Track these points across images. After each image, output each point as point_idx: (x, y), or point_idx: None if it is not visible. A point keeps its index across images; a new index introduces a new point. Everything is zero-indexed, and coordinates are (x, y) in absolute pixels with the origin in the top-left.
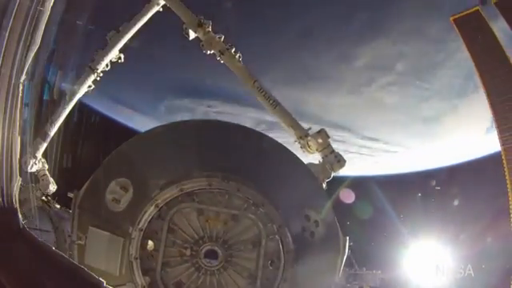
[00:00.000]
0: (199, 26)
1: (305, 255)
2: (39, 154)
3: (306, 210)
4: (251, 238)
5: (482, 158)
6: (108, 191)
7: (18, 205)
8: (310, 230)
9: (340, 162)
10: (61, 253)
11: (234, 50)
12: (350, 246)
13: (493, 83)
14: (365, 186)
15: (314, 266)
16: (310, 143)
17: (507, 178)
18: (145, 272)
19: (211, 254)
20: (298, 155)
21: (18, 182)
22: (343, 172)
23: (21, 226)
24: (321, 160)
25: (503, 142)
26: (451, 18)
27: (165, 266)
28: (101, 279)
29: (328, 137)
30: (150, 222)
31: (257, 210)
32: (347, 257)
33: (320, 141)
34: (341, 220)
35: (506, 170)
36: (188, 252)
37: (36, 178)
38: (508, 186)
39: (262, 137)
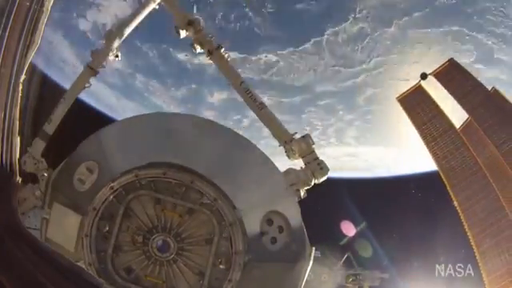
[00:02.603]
0: (189, 24)
1: (261, 260)
2: (38, 154)
3: (269, 214)
4: (205, 234)
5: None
6: (76, 172)
7: (17, 205)
8: (271, 235)
9: (323, 169)
10: (61, 253)
11: (223, 50)
12: (316, 256)
13: (441, 154)
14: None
15: (271, 272)
16: (293, 148)
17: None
18: (97, 252)
19: (163, 245)
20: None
21: (17, 182)
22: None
23: (21, 226)
24: (303, 166)
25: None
26: (396, 99)
27: (117, 249)
28: (101, 280)
29: (313, 143)
30: (105, 203)
31: (212, 207)
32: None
33: (303, 146)
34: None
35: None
36: (140, 239)
37: (35, 177)
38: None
39: (232, 135)
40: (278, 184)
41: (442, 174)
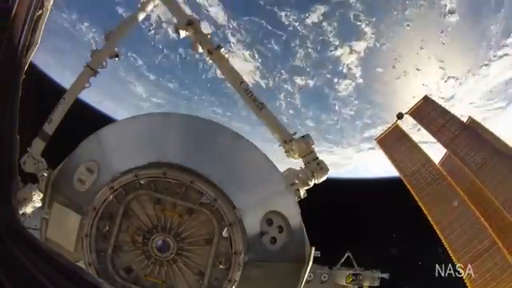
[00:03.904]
0: (189, 24)
1: (261, 260)
2: (38, 154)
3: (269, 214)
4: (204, 234)
5: None
6: (76, 172)
7: (17, 205)
8: (270, 235)
9: (323, 169)
10: (61, 253)
11: (222, 50)
12: (316, 256)
13: (424, 193)
14: None
15: (270, 272)
16: (293, 148)
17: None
18: (97, 252)
19: (163, 245)
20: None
21: (17, 182)
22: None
23: (20, 226)
24: (303, 167)
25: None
26: (376, 140)
27: (117, 249)
28: (101, 280)
29: (313, 143)
30: (105, 203)
31: (212, 207)
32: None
33: (303, 146)
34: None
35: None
36: (140, 239)
37: (35, 177)
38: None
39: (232, 135)
40: (277, 184)
41: (421, 205)
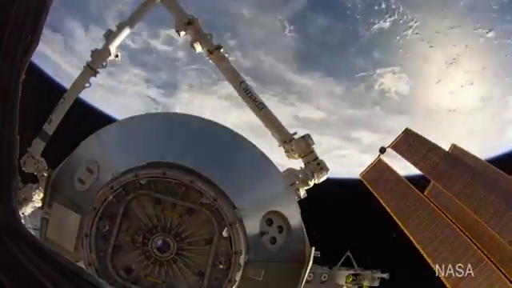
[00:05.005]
0: (189, 23)
1: (261, 260)
2: (38, 154)
3: (269, 214)
4: (204, 234)
5: None
6: (76, 172)
7: (17, 205)
8: (270, 235)
9: (322, 169)
10: (61, 253)
11: (222, 49)
12: (316, 256)
13: (413, 224)
14: None
15: (270, 272)
16: (293, 148)
17: None
18: (97, 252)
19: (163, 245)
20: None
21: (17, 182)
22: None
23: (20, 226)
24: (303, 166)
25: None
26: (360, 176)
27: (117, 249)
28: (101, 280)
29: (313, 143)
30: (105, 203)
31: (212, 206)
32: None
33: (303, 146)
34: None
35: None
36: (140, 239)
37: (35, 177)
38: None
39: (232, 135)
40: (277, 184)
41: (406, 233)
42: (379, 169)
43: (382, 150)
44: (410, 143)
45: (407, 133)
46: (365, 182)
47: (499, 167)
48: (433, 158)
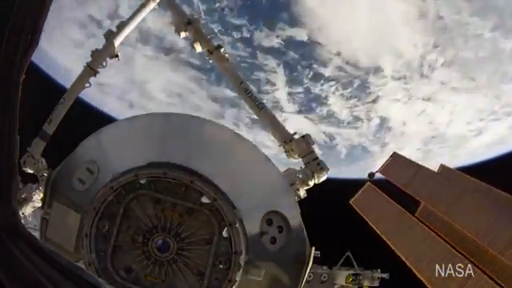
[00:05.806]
0: (189, 24)
1: (260, 260)
2: (38, 154)
3: (268, 214)
4: (204, 234)
5: None
6: (76, 172)
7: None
8: (270, 235)
9: (322, 169)
10: (61, 253)
11: (222, 49)
12: (316, 256)
13: (400, 243)
14: None
15: (270, 272)
16: (293, 148)
17: None
18: (97, 252)
19: (163, 245)
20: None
21: (17, 182)
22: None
23: (20, 226)
24: (303, 167)
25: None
26: (350, 202)
27: (117, 249)
28: (101, 280)
29: (313, 143)
30: (105, 203)
31: (212, 206)
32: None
33: (303, 146)
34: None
35: None
36: (140, 239)
37: (35, 177)
38: None
39: (232, 135)
40: (277, 184)
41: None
42: (368, 193)
43: (371, 175)
44: (397, 167)
45: (394, 157)
46: (356, 209)
47: None
48: (420, 180)
